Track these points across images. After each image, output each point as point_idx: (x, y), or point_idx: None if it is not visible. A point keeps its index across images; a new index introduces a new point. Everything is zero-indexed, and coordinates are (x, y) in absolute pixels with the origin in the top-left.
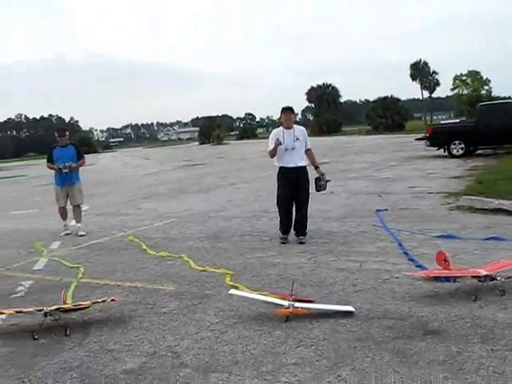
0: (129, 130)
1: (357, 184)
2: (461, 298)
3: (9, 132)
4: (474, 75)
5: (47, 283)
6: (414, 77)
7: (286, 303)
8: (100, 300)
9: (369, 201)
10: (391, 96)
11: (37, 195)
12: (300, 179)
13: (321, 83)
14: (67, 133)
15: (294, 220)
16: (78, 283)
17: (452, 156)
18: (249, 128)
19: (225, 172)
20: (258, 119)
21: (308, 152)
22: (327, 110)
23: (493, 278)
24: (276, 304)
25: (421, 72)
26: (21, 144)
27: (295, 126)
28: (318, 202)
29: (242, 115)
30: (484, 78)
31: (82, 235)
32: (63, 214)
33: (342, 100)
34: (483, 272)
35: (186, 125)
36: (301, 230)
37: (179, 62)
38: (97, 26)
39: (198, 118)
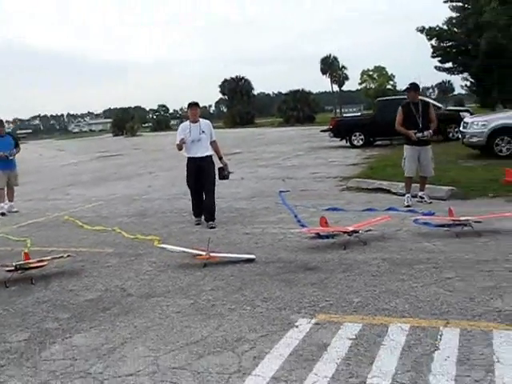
0: (37, 121)
1: (265, 171)
2: (334, 248)
3: None
4: (380, 70)
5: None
6: (324, 71)
7: (203, 252)
8: (58, 256)
9: (274, 184)
10: (302, 89)
11: None
12: (205, 167)
13: (234, 76)
14: (5, 125)
15: (203, 206)
16: (29, 250)
17: (353, 146)
18: (162, 120)
19: (142, 162)
20: (171, 111)
21: (213, 144)
22: (240, 102)
23: (356, 232)
24: (196, 255)
25: (330, 66)
26: None
27: (201, 119)
28: (230, 186)
29: (156, 107)
30: (389, 74)
31: (16, 211)
32: (1, 195)
33: (255, 92)
34: (350, 228)
35: (97, 116)
36: (209, 216)
37: (88, 51)
38: (5, 11)
39: (110, 109)
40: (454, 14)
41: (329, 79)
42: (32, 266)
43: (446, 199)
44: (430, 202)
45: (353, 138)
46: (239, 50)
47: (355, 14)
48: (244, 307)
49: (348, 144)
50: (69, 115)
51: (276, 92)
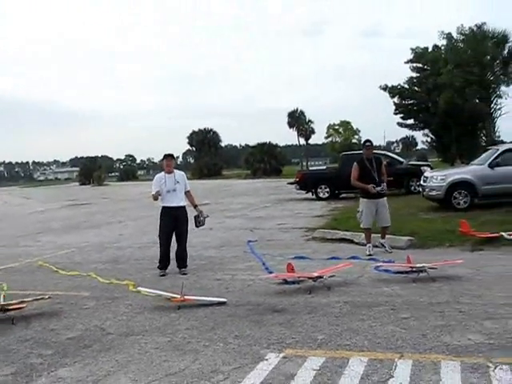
0: (1, 168)
1: (233, 221)
2: (300, 292)
3: None
4: (346, 125)
5: None
6: (291, 124)
7: (178, 295)
8: (39, 297)
9: (242, 234)
10: (269, 142)
11: None
12: (180, 216)
13: (202, 127)
14: None
15: (175, 254)
16: (6, 293)
17: (319, 198)
18: (129, 169)
19: (111, 211)
20: (138, 161)
21: (187, 193)
22: (208, 154)
23: (321, 277)
24: (171, 298)
25: (297, 120)
26: None
27: (175, 170)
28: (199, 235)
29: (123, 156)
30: (355, 128)
31: None
32: None
33: (222, 144)
34: (315, 274)
35: (64, 164)
36: (182, 263)
37: (56, 99)
38: None
39: (76, 157)
40: (414, 74)
41: (296, 132)
42: (13, 307)
43: (405, 248)
44: (391, 252)
45: (318, 190)
46: (206, 101)
47: (320, 69)
48: (217, 344)
49: (314, 196)
50: (34, 163)
51: (243, 144)
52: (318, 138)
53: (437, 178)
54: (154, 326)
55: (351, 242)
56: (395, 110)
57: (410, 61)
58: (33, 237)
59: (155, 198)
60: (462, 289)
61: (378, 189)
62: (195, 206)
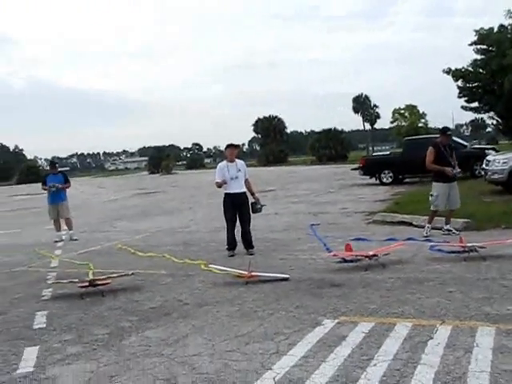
0: (74, 159)
1: (297, 206)
2: (357, 270)
3: None
4: (411, 109)
5: (68, 273)
6: (356, 110)
7: (245, 272)
8: (124, 273)
9: (306, 218)
10: (334, 128)
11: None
12: (242, 202)
13: (267, 115)
14: (57, 165)
15: (241, 237)
16: (93, 271)
17: (382, 183)
18: (197, 158)
19: (181, 198)
20: (205, 149)
21: (246, 181)
22: (273, 141)
23: (376, 256)
24: (239, 274)
25: (362, 105)
26: None
27: (236, 159)
28: (265, 220)
29: (189, 145)
30: (421, 112)
31: (76, 239)
32: (56, 225)
33: (288, 131)
34: (371, 253)
35: (132, 154)
36: (248, 244)
37: (124, 90)
38: (41, 52)
39: (144, 147)
40: (478, 56)
41: (361, 118)
42: (101, 282)
43: (461, 230)
44: (458, 234)
45: (382, 175)
46: (271, 87)
47: (384, 52)
48: (280, 312)
49: (377, 181)
50: (105, 153)
51: (309, 130)
52: (384, 122)
53: (499, 161)
54: (224, 298)
55: (410, 224)
56: (459, 93)
57: (474, 43)
58: (110, 223)
59: (219, 185)
60: (510, 267)
61: (455, 172)
62: (253, 194)
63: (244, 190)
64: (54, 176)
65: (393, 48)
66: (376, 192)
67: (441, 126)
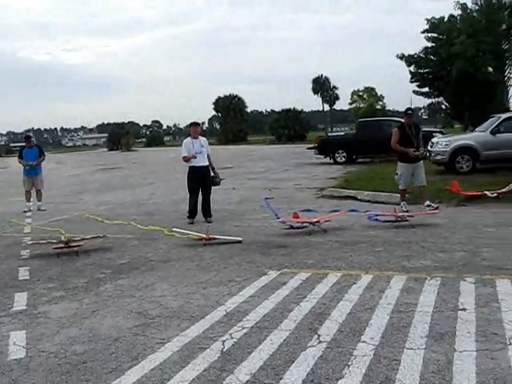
0: (30, 135)
1: (254, 182)
2: (301, 234)
3: None
4: (370, 91)
5: (42, 237)
6: (315, 90)
7: (204, 235)
8: (96, 235)
9: (261, 193)
10: (294, 108)
11: None
12: (205, 174)
13: (228, 94)
14: (32, 139)
15: (201, 207)
16: (65, 236)
17: (336, 163)
18: (156, 135)
19: (142, 174)
20: (164, 127)
21: (208, 156)
22: (233, 120)
23: (318, 222)
24: (198, 237)
25: (322, 86)
26: None
27: (200, 136)
28: (223, 193)
29: (149, 122)
30: (379, 94)
31: (44, 210)
32: (27, 196)
33: (248, 110)
34: (314, 220)
35: (91, 131)
36: (207, 213)
37: (81, 65)
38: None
39: (103, 124)
40: (429, 44)
41: (320, 99)
42: (75, 244)
43: (399, 204)
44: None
45: (336, 155)
46: (233, 66)
47: (345, 34)
48: (233, 266)
49: (331, 161)
50: (62, 129)
51: (269, 110)
52: (343, 104)
53: (442, 143)
54: (185, 256)
55: (355, 198)
56: (411, 78)
57: (426, 31)
58: (75, 196)
59: (187, 159)
60: (432, 232)
61: (418, 153)
62: (213, 169)
63: (207, 163)
64: (30, 149)
65: (355, 30)
66: (329, 170)
67: (399, 109)
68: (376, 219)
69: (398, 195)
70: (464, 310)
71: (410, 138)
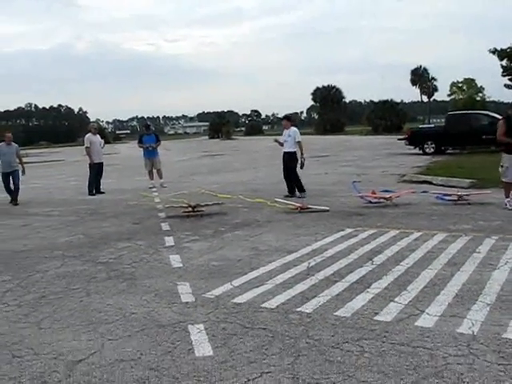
0: (134, 123)
1: (346, 169)
2: (377, 207)
3: (18, 121)
4: (469, 82)
5: (171, 204)
6: (414, 82)
7: (299, 205)
8: (216, 202)
9: (351, 178)
10: (391, 100)
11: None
12: (285, 158)
13: (326, 84)
14: (151, 127)
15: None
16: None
17: (425, 153)
18: (255, 125)
19: (244, 160)
20: (263, 116)
21: (298, 143)
22: (331, 110)
23: (391, 198)
24: (295, 206)
25: (420, 77)
26: (31, 132)
27: (291, 127)
28: (317, 178)
29: (248, 112)
30: (479, 86)
31: (165, 187)
32: (150, 175)
33: (346, 100)
34: (387, 195)
35: (191, 119)
36: (300, 189)
37: (184, 56)
38: (105, 15)
39: (203, 112)
40: None
41: (418, 90)
42: (199, 208)
43: (467, 188)
44: None
45: (425, 146)
46: (331, 56)
47: (445, 25)
48: (320, 225)
49: (421, 151)
50: (164, 118)
51: (368, 100)
52: (443, 95)
53: None
54: (284, 219)
55: (430, 183)
56: (503, 72)
57: None
58: (187, 177)
59: (279, 144)
60: (482, 208)
61: None
62: (302, 154)
63: (288, 150)
64: (148, 136)
65: (458, 19)
66: (417, 160)
67: (504, 100)
68: (442, 198)
69: (467, 181)
70: (479, 252)
71: None
